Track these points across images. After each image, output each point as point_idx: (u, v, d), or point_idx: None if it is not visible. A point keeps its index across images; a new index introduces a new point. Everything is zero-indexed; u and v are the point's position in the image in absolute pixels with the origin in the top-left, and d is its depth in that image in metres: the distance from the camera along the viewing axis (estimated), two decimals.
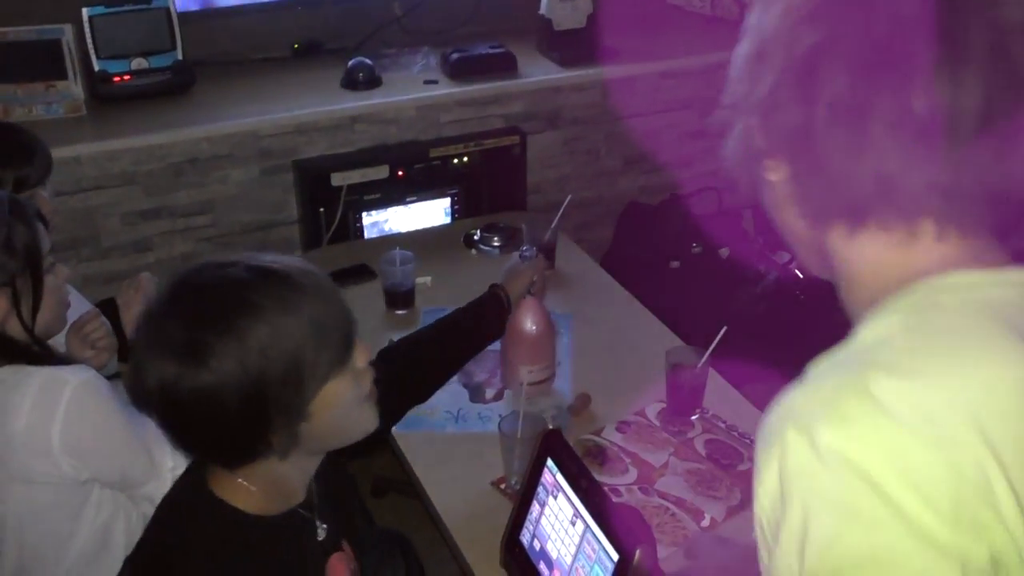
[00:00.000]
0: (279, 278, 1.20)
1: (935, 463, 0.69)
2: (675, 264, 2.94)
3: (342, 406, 1.24)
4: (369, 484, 2.73)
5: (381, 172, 2.84)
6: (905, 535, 0.68)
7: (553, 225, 2.47)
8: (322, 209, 2.81)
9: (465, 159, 2.95)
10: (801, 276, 2.61)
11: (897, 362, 0.73)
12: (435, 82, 2.93)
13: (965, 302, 0.76)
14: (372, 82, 2.89)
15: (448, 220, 2.98)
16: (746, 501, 1.80)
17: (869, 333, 0.78)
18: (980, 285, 0.77)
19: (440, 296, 2.40)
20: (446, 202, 2.99)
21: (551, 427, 1.65)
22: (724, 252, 2.89)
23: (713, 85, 2.99)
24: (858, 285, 0.84)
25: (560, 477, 1.52)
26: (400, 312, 2.35)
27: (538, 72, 3.01)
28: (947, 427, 0.69)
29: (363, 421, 1.32)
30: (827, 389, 0.74)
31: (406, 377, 1.77)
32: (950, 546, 0.68)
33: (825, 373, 0.76)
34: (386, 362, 1.69)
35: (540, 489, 1.57)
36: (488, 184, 2.99)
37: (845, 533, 0.69)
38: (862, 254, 0.83)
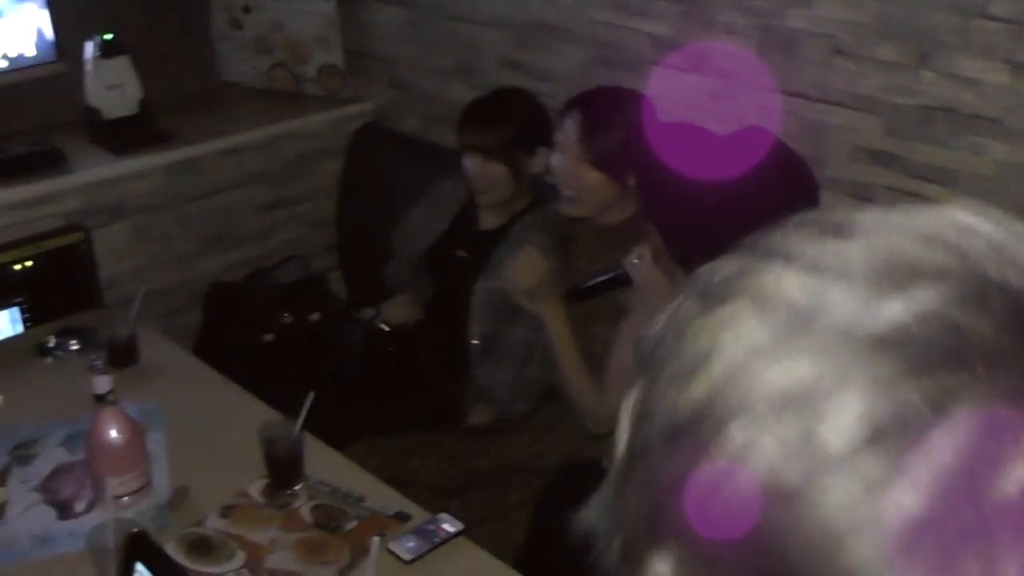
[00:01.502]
0: None
1: None
2: (269, 337, 2.94)
3: None
4: None
5: None
6: None
7: (129, 319, 2.39)
8: None
9: (27, 263, 2.77)
10: (388, 329, 2.71)
11: None
12: None
13: None
14: None
15: (20, 330, 2.79)
16: (357, 559, 1.83)
17: None
18: None
19: (16, 414, 2.24)
20: (14, 312, 2.79)
21: (135, 529, 1.60)
22: (314, 317, 2.94)
23: (279, 156, 3.06)
24: None
25: None
26: None
27: (93, 164, 2.91)
28: None
29: None
30: None
31: None
32: None
33: None
34: None
35: None
36: (58, 286, 2.83)
37: None
38: None
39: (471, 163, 2.47)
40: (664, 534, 0.44)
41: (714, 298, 0.46)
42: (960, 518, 0.37)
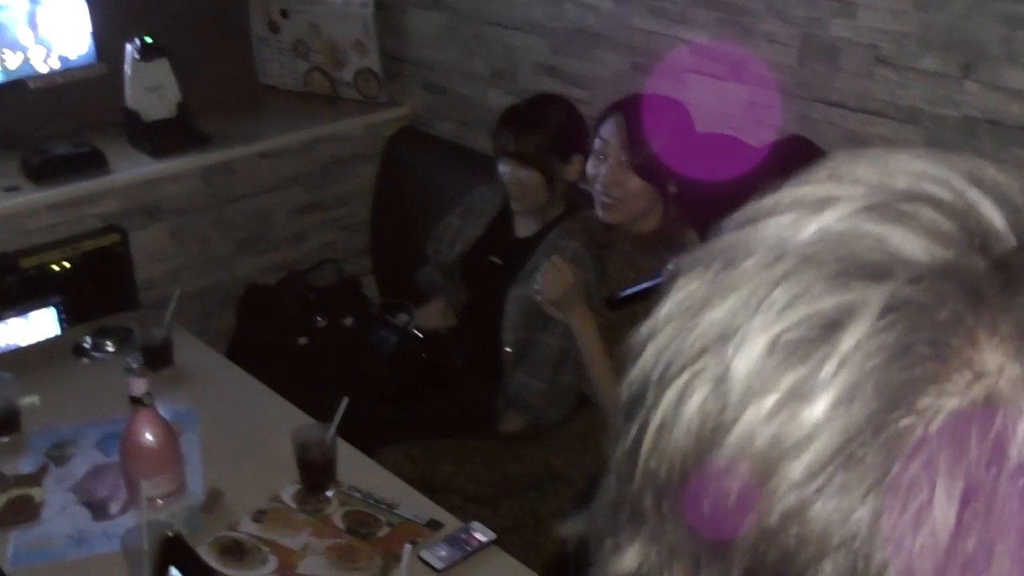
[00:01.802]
0: None
1: None
2: (303, 341, 2.94)
3: None
4: None
5: None
6: None
7: (165, 321, 2.41)
8: None
9: (65, 264, 2.80)
10: (421, 335, 2.71)
11: None
12: (16, 188, 2.76)
13: None
14: None
15: (57, 330, 2.81)
16: (389, 567, 1.83)
17: None
18: None
19: (52, 414, 2.26)
20: (51, 312, 2.82)
21: (171, 534, 1.60)
22: (348, 321, 2.94)
23: (315, 160, 3.07)
24: None
25: None
26: (5, 439, 2.19)
27: (131, 166, 2.93)
28: None
29: None
30: None
31: None
32: None
33: None
34: None
35: None
36: (94, 287, 2.85)
37: None
38: None
39: (506, 169, 2.46)
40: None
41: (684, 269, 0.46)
42: (881, 427, 0.35)
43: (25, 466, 2.09)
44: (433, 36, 3.22)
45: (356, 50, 3.33)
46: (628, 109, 2.20)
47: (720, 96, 2.43)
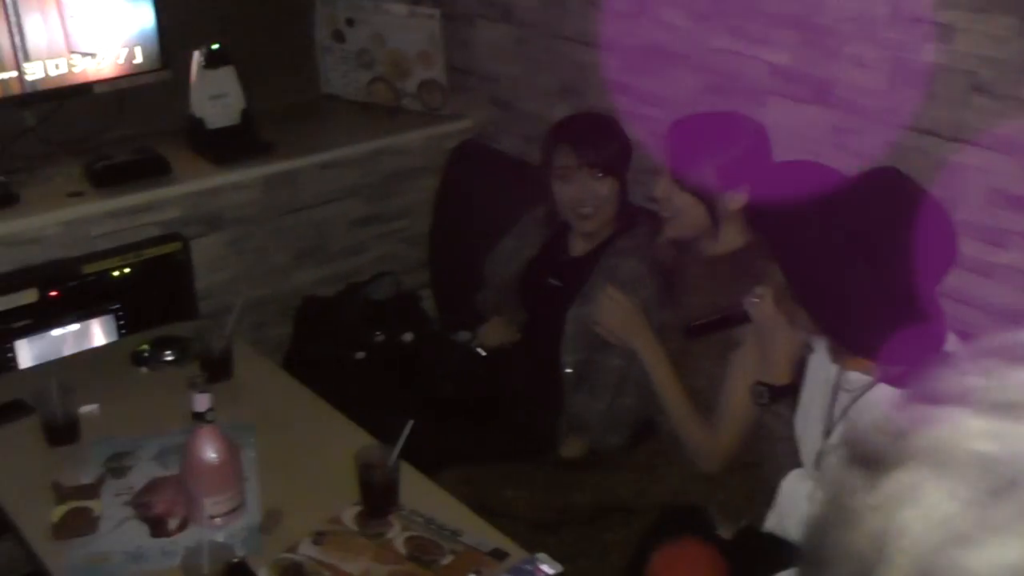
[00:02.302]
0: None
1: None
2: (360, 355, 2.90)
3: None
4: None
5: (29, 296, 2.61)
6: None
7: (226, 332, 2.37)
8: None
9: (126, 271, 2.77)
10: (484, 353, 2.65)
11: None
12: (80, 194, 2.74)
13: None
14: (7, 200, 2.66)
15: (115, 338, 2.79)
16: None
17: None
18: None
19: (110, 425, 2.23)
20: (110, 319, 2.79)
21: (236, 559, 1.56)
22: (407, 337, 2.89)
23: (375, 171, 3.04)
24: None
25: None
26: (64, 448, 2.16)
27: (193, 174, 2.90)
28: None
29: None
30: None
31: None
32: None
33: None
34: None
35: None
36: (154, 295, 2.83)
37: None
38: None
39: (581, 183, 2.40)
40: None
41: (880, 464, 0.36)
42: None
43: (83, 477, 2.06)
44: (501, 49, 3.17)
45: (421, 61, 3.29)
46: (677, 127, 2.17)
47: (803, 120, 2.35)
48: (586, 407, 2.42)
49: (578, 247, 2.54)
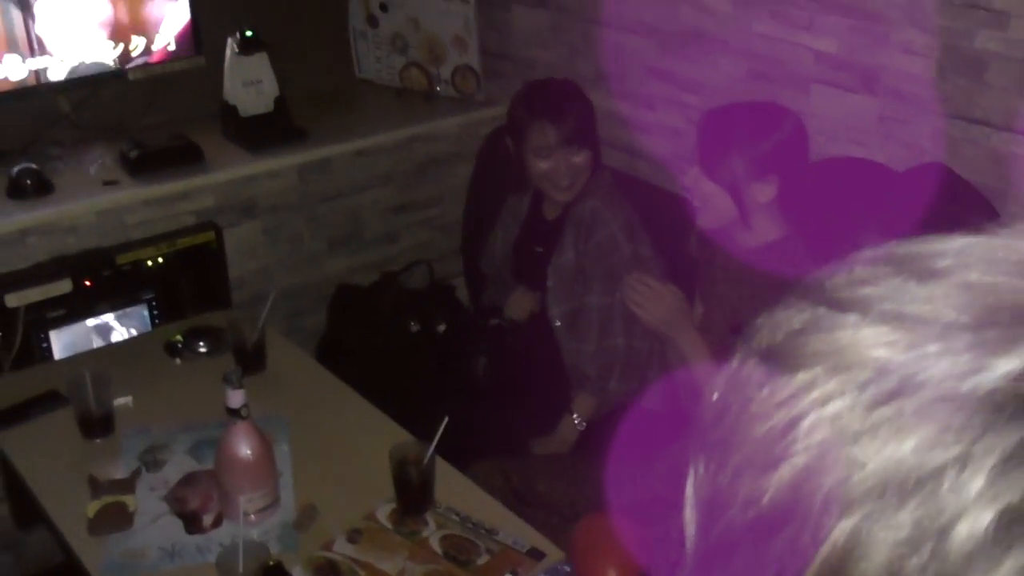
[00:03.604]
0: None
1: None
2: (394, 344, 2.87)
3: None
4: None
5: (64, 286, 2.60)
6: None
7: (259, 324, 2.35)
8: None
9: (159, 260, 2.76)
10: (514, 324, 2.65)
11: None
12: (115, 182, 2.72)
13: None
14: (42, 188, 2.65)
15: (148, 328, 2.78)
16: None
17: None
18: None
19: (144, 416, 2.22)
20: (143, 309, 2.78)
21: (272, 562, 1.54)
22: (441, 328, 2.86)
23: (409, 158, 3.00)
24: None
25: None
26: (99, 440, 2.15)
27: (227, 162, 2.87)
28: None
29: None
30: None
31: None
32: None
33: None
34: None
35: None
36: (187, 284, 2.81)
37: None
38: None
39: (559, 158, 2.42)
40: None
41: (783, 362, 0.39)
42: None
43: (119, 471, 2.05)
44: (537, 34, 3.11)
45: (456, 46, 3.24)
46: (705, 116, 2.13)
47: (848, 109, 2.29)
48: (577, 353, 2.49)
49: (551, 211, 2.60)
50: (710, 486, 0.42)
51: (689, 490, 0.45)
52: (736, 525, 0.40)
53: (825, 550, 0.35)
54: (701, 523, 0.43)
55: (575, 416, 2.52)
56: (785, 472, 0.37)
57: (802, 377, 0.38)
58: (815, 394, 0.37)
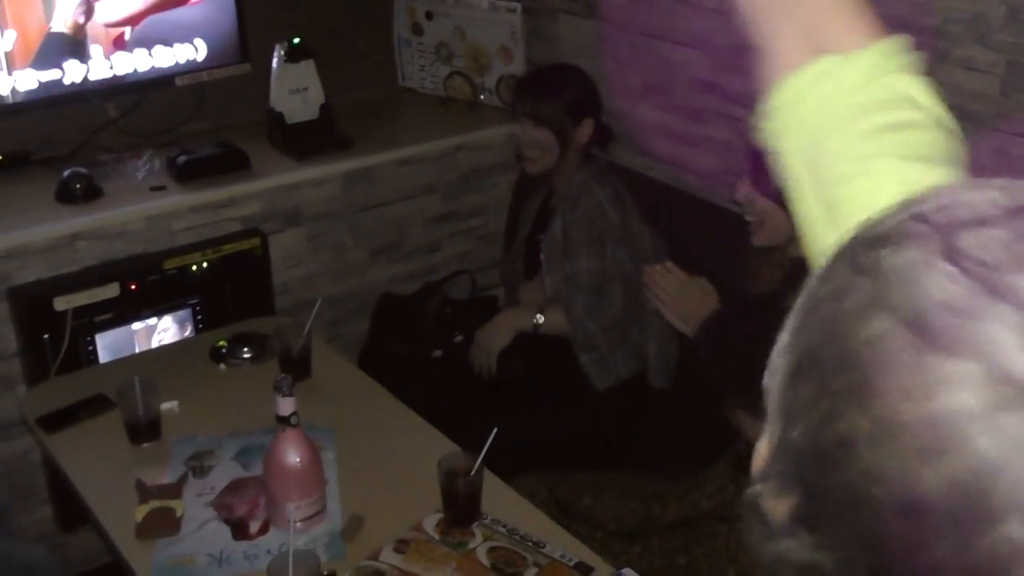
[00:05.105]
0: None
1: None
2: (437, 354, 2.87)
3: None
4: None
5: (111, 291, 2.61)
6: None
7: (305, 331, 2.35)
8: (47, 336, 2.55)
9: (204, 266, 2.77)
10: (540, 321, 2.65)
11: None
12: (163, 188, 2.73)
13: None
14: (91, 193, 2.67)
15: (191, 333, 2.79)
16: None
17: None
18: None
19: (190, 422, 2.22)
20: (188, 314, 2.79)
21: (325, 573, 1.52)
22: (459, 338, 2.87)
23: (453, 168, 3.00)
24: None
25: None
26: (146, 445, 2.15)
27: (273, 169, 2.88)
28: None
29: None
30: None
31: None
32: None
33: None
34: None
35: None
36: (232, 290, 2.82)
37: None
38: None
39: (523, 129, 2.60)
40: None
41: (932, 339, 0.40)
42: None
43: (165, 476, 2.05)
44: (584, 45, 3.10)
45: (501, 56, 3.24)
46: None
47: None
48: (571, 317, 2.56)
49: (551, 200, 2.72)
50: (822, 422, 0.44)
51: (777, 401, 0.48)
52: (887, 497, 0.40)
53: (998, 546, 0.36)
54: (814, 465, 0.45)
55: (539, 316, 2.61)
56: (956, 462, 0.38)
57: (953, 367, 0.39)
58: (968, 396, 0.38)
